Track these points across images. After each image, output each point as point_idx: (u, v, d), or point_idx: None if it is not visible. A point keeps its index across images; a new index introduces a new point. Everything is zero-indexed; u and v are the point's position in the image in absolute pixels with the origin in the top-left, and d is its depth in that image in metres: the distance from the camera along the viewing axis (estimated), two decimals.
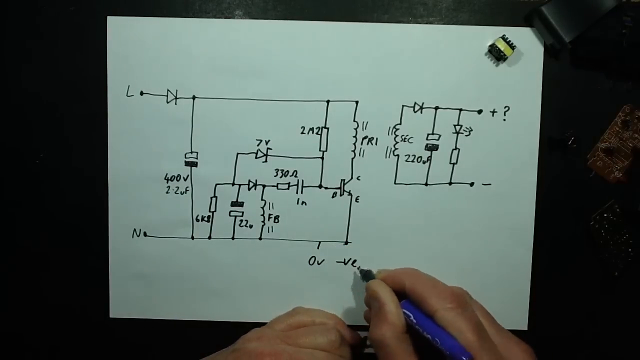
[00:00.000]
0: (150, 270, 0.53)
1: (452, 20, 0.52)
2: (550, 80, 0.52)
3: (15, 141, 0.53)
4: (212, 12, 0.52)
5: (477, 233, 0.53)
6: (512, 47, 0.51)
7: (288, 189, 0.53)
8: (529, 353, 0.45)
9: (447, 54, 0.52)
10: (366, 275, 0.51)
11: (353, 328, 0.53)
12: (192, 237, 0.53)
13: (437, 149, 0.52)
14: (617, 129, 0.52)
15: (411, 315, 0.45)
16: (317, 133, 0.52)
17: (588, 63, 0.52)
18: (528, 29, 0.51)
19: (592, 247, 0.53)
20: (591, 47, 0.51)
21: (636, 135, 0.52)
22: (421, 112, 0.52)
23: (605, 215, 0.53)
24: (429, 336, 0.43)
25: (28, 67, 0.52)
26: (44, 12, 0.52)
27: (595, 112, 0.52)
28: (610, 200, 0.53)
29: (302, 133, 0.52)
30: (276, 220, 0.53)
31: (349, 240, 0.53)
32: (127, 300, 0.54)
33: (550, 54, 0.52)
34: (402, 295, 0.46)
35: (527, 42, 0.51)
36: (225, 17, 0.52)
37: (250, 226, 0.53)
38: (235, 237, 0.53)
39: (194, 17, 0.52)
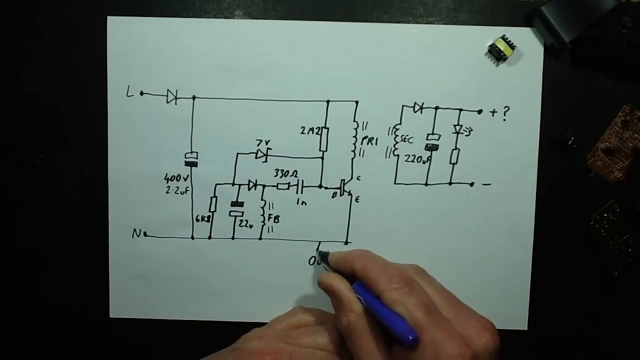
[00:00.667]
0: (150, 270, 0.53)
1: (452, 20, 0.52)
2: (551, 80, 0.52)
3: (15, 141, 0.53)
4: (212, 12, 0.52)
5: (477, 233, 0.53)
6: (512, 47, 0.51)
7: (288, 189, 0.53)
8: (487, 327, 0.44)
9: (447, 54, 0.52)
10: (323, 257, 0.51)
11: None
12: (192, 237, 0.53)
13: (437, 149, 0.52)
14: (617, 129, 0.52)
15: (362, 298, 0.45)
16: (317, 133, 0.52)
17: (588, 63, 0.52)
18: (528, 29, 0.51)
19: (592, 247, 0.53)
20: (591, 47, 0.51)
21: (636, 135, 0.52)
22: (421, 112, 0.52)
23: (605, 215, 0.53)
24: (378, 318, 0.44)
25: (28, 67, 0.52)
26: (43, 12, 0.52)
27: (595, 112, 0.52)
28: (610, 200, 0.53)
29: (302, 133, 0.52)
30: (276, 220, 0.53)
31: (349, 240, 0.53)
32: (127, 300, 0.54)
33: (550, 54, 0.52)
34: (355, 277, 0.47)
35: (527, 42, 0.51)
36: (225, 17, 0.52)
37: (250, 226, 0.53)
38: (235, 237, 0.53)
39: (194, 17, 0.52)
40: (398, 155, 0.52)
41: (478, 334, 0.43)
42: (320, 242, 0.53)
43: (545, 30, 0.50)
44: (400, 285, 0.44)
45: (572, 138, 0.52)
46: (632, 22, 0.49)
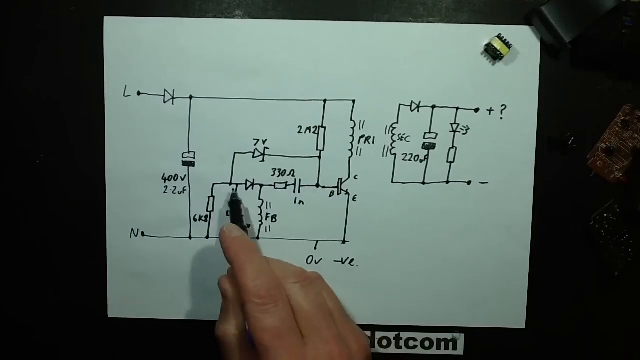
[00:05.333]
0: (148, 270, 0.53)
1: (452, 20, 0.52)
2: (551, 80, 0.52)
3: (15, 141, 0.53)
4: (212, 12, 0.52)
5: (475, 231, 0.53)
6: (508, 45, 0.51)
7: (285, 188, 0.53)
8: (365, 345, 0.48)
9: (443, 53, 0.51)
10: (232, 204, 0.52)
11: None
12: (190, 237, 0.53)
13: (434, 148, 0.52)
14: (617, 129, 0.52)
15: None
16: (314, 132, 0.52)
17: (588, 63, 0.52)
18: (524, 27, 0.51)
19: (592, 247, 0.53)
20: (591, 47, 0.50)
21: (636, 135, 0.52)
22: (418, 111, 0.52)
23: (605, 215, 0.52)
24: None
25: (27, 67, 0.52)
26: (44, 13, 0.52)
27: (595, 112, 0.52)
28: (610, 200, 0.52)
29: (299, 132, 0.52)
30: (274, 220, 0.53)
31: (346, 239, 0.53)
32: (125, 300, 0.54)
33: (549, 53, 0.51)
34: None
35: (524, 41, 0.51)
36: (225, 17, 0.52)
37: (248, 225, 0.53)
38: None
39: (194, 17, 0.52)
40: (395, 154, 0.52)
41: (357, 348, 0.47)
42: (317, 241, 0.53)
43: (545, 30, 0.50)
44: (261, 302, 0.44)
45: (572, 138, 0.52)
46: (632, 22, 0.49)
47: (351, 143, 0.52)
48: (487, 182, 0.52)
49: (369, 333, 0.54)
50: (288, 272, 0.48)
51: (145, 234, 0.53)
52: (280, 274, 0.48)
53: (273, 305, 0.44)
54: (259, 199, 0.53)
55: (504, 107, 0.52)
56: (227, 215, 0.53)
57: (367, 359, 0.48)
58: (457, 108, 0.52)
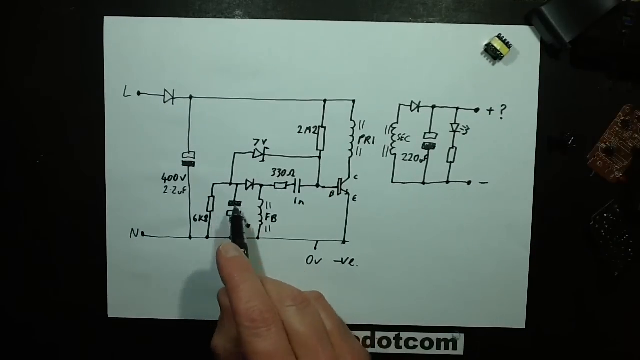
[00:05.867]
0: (148, 270, 0.53)
1: (452, 21, 0.52)
2: (551, 80, 0.52)
3: (14, 141, 0.53)
4: (212, 12, 0.52)
5: (475, 231, 0.53)
6: (508, 45, 0.51)
7: (285, 188, 0.53)
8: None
9: (443, 53, 0.51)
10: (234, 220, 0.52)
11: (354, 327, 0.54)
12: (190, 237, 0.53)
13: (434, 148, 0.52)
14: (617, 129, 0.52)
15: None
16: (314, 132, 0.52)
17: (588, 63, 0.52)
18: (524, 27, 0.51)
19: (592, 247, 0.53)
20: (591, 47, 0.50)
21: (636, 135, 0.52)
22: (418, 111, 0.52)
23: (605, 215, 0.52)
24: None
25: (27, 67, 0.52)
26: (43, 13, 0.52)
27: (595, 112, 0.52)
28: (610, 200, 0.52)
29: (300, 132, 0.52)
30: (274, 220, 0.53)
31: (346, 240, 0.53)
32: (125, 300, 0.54)
33: (549, 53, 0.51)
34: None
35: (524, 41, 0.51)
36: (225, 17, 0.52)
37: (248, 226, 0.53)
38: None
39: (194, 17, 0.52)
40: (395, 154, 0.52)
41: None
42: (317, 241, 0.53)
43: (545, 30, 0.50)
44: (254, 325, 0.44)
45: (572, 138, 0.52)
46: (632, 22, 0.49)
47: (351, 143, 0.52)
48: (487, 182, 0.52)
49: (368, 333, 0.54)
50: (284, 294, 0.48)
51: (145, 234, 0.53)
52: (277, 296, 0.47)
53: (266, 329, 0.44)
54: (259, 199, 0.53)
55: (504, 107, 0.52)
56: (227, 214, 0.53)
57: None
58: (457, 108, 0.52)
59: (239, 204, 0.53)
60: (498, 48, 0.50)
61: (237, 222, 0.52)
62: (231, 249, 0.48)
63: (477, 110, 0.52)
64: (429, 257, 0.53)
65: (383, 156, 0.52)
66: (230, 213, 0.53)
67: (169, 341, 0.54)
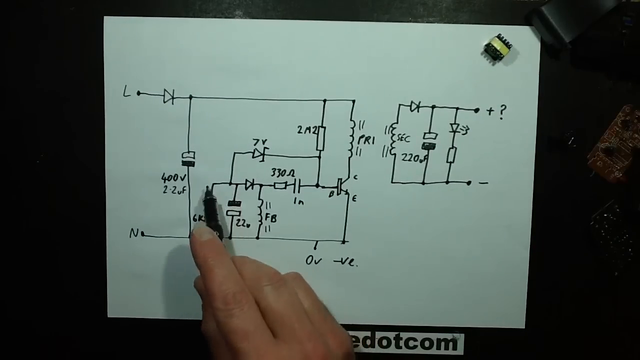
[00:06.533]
0: (148, 270, 0.53)
1: (452, 21, 0.52)
2: (551, 80, 0.52)
3: (14, 141, 0.53)
4: (212, 12, 0.52)
5: (474, 231, 0.53)
6: (508, 46, 0.51)
7: (285, 188, 0.53)
8: (344, 342, 0.48)
9: (443, 53, 0.51)
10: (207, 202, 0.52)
11: (353, 327, 0.54)
12: (190, 237, 0.53)
13: (434, 148, 0.52)
14: (617, 129, 0.52)
15: None
16: (313, 132, 0.52)
17: (588, 63, 0.52)
18: (524, 27, 0.51)
19: (592, 247, 0.53)
20: (591, 47, 0.50)
21: (636, 135, 0.52)
22: (418, 111, 0.52)
23: (605, 215, 0.52)
24: None
25: (27, 67, 0.52)
26: (44, 13, 0.52)
27: (595, 112, 0.52)
28: (610, 200, 0.52)
29: (299, 132, 0.52)
30: (273, 220, 0.53)
31: (346, 240, 0.53)
32: (125, 300, 0.54)
33: (549, 53, 0.51)
34: None
35: (524, 41, 0.51)
36: (225, 17, 0.52)
37: (248, 225, 0.53)
38: (232, 236, 0.53)
39: (194, 17, 0.52)
40: (395, 154, 0.52)
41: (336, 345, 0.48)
42: (317, 241, 0.53)
43: (545, 30, 0.50)
44: (227, 307, 0.45)
45: (572, 138, 0.52)
46: (632, 22, 0.49)
47: (351, 143, 0.52)
48: (487, 182, 0.52)
49: (368, 333, 0.54)
50: (261, 273, 0.48)
51: (145, 234, 0.53)
52: (253, 275, 0.48)
53: (239, 310, 0.45)
54: (259, 199, 0.53)
55: (503, 107, 0.52)
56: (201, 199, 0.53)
57: (348, 356, 0.48)
58: (457, 108, 0.52)
59: (238, 204, 0.53)
60: (498, 48, 0.50)
61: (210, 204, 0.52)
62: (205, 232, 0.49)
63: (477, 110, 0.52)
64: (429, 257, 0.53)
65: (383, 156, 0.52)
66: (203, 195, 0.53)
67: (169, 341, 0.54)
